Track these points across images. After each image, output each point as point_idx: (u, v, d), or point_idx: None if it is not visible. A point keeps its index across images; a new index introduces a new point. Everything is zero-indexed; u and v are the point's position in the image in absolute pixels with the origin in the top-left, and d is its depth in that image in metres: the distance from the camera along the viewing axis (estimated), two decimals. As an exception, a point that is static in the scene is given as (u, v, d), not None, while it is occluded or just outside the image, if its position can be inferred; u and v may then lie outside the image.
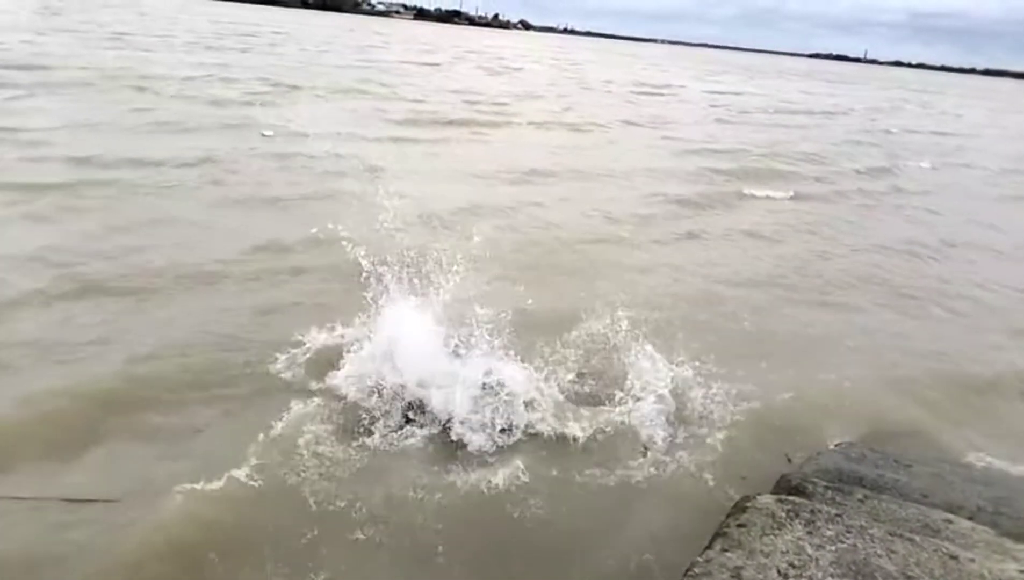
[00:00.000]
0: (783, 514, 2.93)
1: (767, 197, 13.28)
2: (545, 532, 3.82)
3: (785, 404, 5.25)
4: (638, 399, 4.81)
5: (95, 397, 4.62)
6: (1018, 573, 2.69)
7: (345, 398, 4.76)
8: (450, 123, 18.20)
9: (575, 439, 4.55)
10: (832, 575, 2.55)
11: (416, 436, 4.46)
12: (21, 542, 3.48)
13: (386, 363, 4.86)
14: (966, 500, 3.58)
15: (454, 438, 4.47)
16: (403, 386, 4.79)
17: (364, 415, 4.58)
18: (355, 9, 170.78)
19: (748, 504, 3.04)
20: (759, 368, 5.71)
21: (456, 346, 5.09)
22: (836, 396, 5.56)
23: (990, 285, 9.03)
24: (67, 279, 6.32)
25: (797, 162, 17.51)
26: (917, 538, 2.83)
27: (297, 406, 4.59)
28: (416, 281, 5.19)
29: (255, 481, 3.90)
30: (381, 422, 4.54)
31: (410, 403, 4.72)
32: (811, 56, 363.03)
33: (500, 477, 4.13)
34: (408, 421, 4.57)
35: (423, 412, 4.65)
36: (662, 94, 35.26)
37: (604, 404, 4.86)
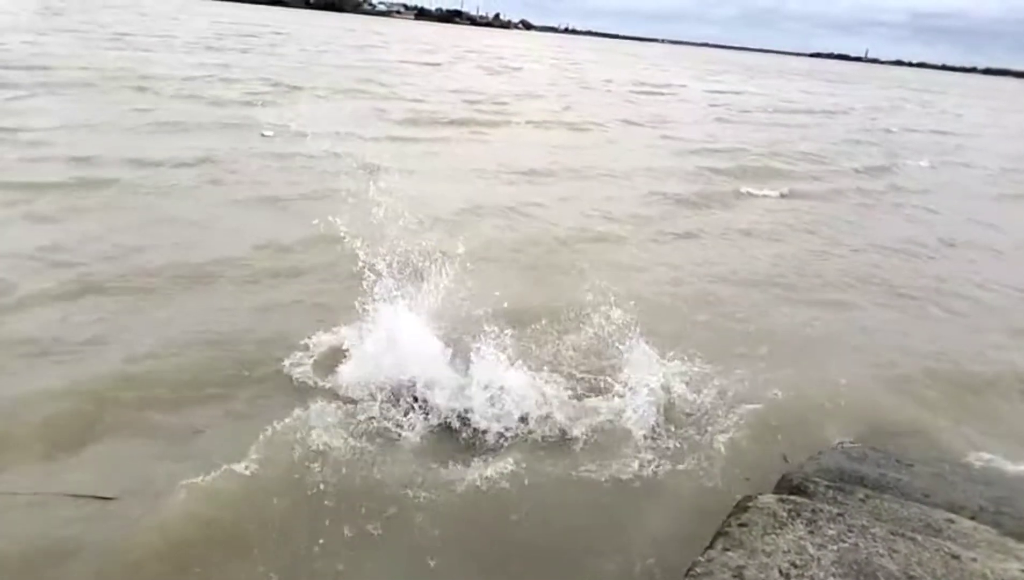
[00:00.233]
0: (785, 513, 2.92)
1: (766, 196, 13.28)
2: (545, 532, 3.81)
3: (785, 404, 5.23)
4: (638, 399, 4.80)
5: (94, 395, 4.62)
6: (1020, 572, 2.68)
7: (343, 397, 4.75)
8: (450, 123, 18.20)
9: (575, 438, 4.54)
10: (834, 574, 2.54)
11: (414, 435, 4.45)
12: (20, 538, 3.48)
13: (385, 362, 4.85)
14: (968, 500, 3.57)
15: (453, 437, 4.48)
16: (401, 385, 4.79)
17: (362, 414, 4.56)
18: (356, 9, 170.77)
19: (750, 504, 3.03)
20: (759, 367, 5.70)
21: (455, 345, 5.09)
22: (836, 396, 5.54)
23: (989, 284, 9.02)
24: (67, 278, 6.31)
25: (796, 161, 17.51)
26: (919, 538, 2.82)
27: (296, 404, 4.57)
28: (415, 280, 5.19)
29: (254, 479, 3.90)
30: (379, 420, 4.53)
31: (408, 401, 4.71)
32: (812, 56, 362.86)
33: (500, 476, 4.12)
34: (406, 419, 4.56)
35: (421, 410, 4.63)
36: (662, 93, 35.25)
37: (604, 403, 4.85)
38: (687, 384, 5.17)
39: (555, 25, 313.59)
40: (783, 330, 6.81)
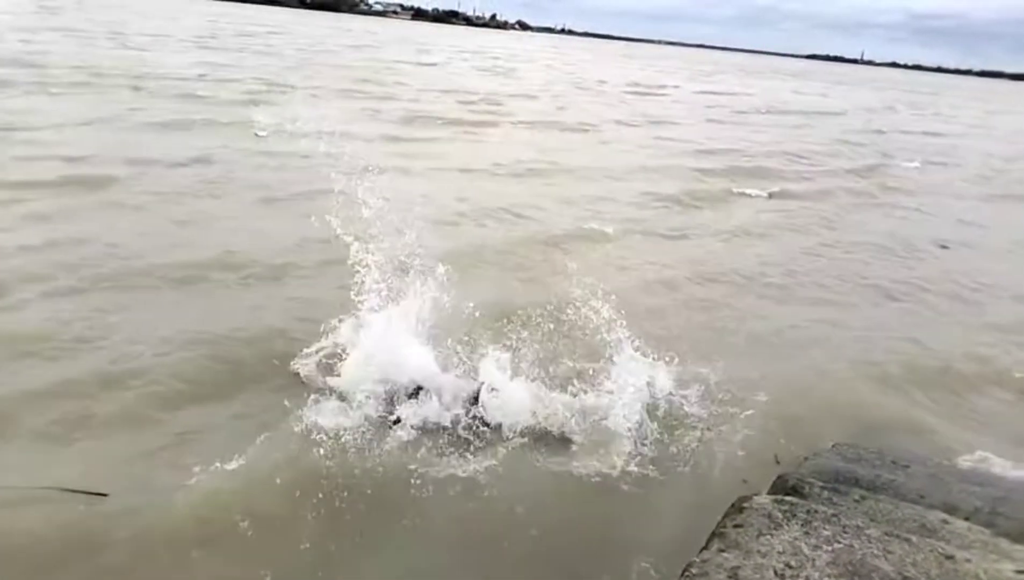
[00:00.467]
0: (780, 514, 2.91)
1: (757, 196, 13.33)
2: (540, 533, 3.80)
3: (779, 403, 5.25)
4: (630, 399, 4.78)
5: (87, 393, 4.62)
6: (1014, 573, 2.68)
7: (336, 395, 4.73)
8: (444, 122, 18.20)
9: (570, 439, 4.54)
10: (829, 575, 2.54)
11: (410, 434, 4.43)
12: (9, 532, 3.47)
13: (379, 362, 4.84)
14: (963, 500, 3.57)
15: (448, 436, 4.46)
16: (396, 384, 4.78)
17: (355, 413, 4.54)
18: (353, 9, 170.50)
19: (745, 505, 3.02)
20: (754, 367, 5.71)
21: (448, 345, 5.08)
22: (829, 396, 5.56)
23: (979, 284, 9.05)
24: (61, 276, 6.28)
25: (789, 161, 17.58)
26: (914, 538, 2.82)
27: (291, 403, 4.56)
28: (409, 279, 5.17)
29: (249, 476, 3.90)
30: (372, 420, 4.52)
31: (403, 400, 4.70)
32: (808, 57, 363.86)
33: (496, 477, 4.12)
34: (401, 418, 4.54)
35: (416, 409, 4.61)
36: (656, 94, 35.33)
37: (597, 404, 4.82)
38: (680, 384, 5.17)
39: (552, 25, 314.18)
40: (777, 330, 6.82)
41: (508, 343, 5.18)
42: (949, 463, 4.44)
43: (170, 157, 11.17)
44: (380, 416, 4.57)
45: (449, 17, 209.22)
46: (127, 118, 14.17)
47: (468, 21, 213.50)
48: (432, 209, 9.22)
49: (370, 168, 5.71)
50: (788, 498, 3.16)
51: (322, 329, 5.43)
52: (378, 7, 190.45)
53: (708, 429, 4.81)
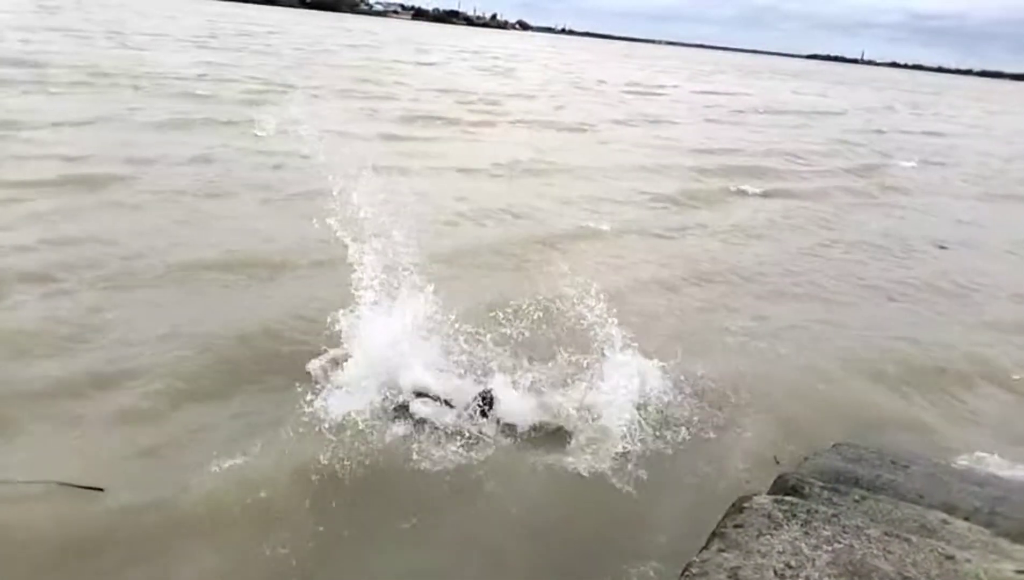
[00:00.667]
0: (780, 514, 2.91)
1: (754, 195, 13.33)
2: (540, 533, 3.80)
3: (779, 404, 5.25)
4: (631, 399, 4.78)
5: (86, 391, 4.62)
6: (1014, 573, 2.67)
7: (335, 394, 4.71)
8: (443, 122, 18.21)
9: (568, 439, 4.54)
10: (828, 575, 2.53)
11: (411, 432, 4.43)
12: (15, 527, 3.47)
13: (378, 361, 4.83)
14: (962, 500, 3.56)
15: (448, 433, 4.45)
16: (396, 383, 4.77)
17: (360, 412, 4.53)
18: (353, 9, 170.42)
19: (745, 505, 3.02)
20: (754, 367, 5.71)
21: (449, 344, 5.08)
22: (829, 396, 5.56)
23: (980, 285, 9.04)
24: (60, 275, 6.28)
25: (787, 161, 17.58)
26: (914, 538, 2.81)
27: (289, 401, 4.56)
28: (409, 279, 5.16)
29: (248, 474, 3.89)
30: (377, 418, 4.51)
31: (403, 400, 4.69)
32: (808, 57, 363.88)
33: (494, 477, 4.11)
34: (400, 418, 4.54)
35: (416, 409, 4.62)
36: (655, 94, 35.33)
37: (597, 404, 4.81)
38: (678, 384, 5.16)
39: (552, 25, 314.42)
40: (776, 329, 6.81)
41: (507, 343, 5.17)
42: (948, 463, 4.43)
43: (169, 156, 11.17)
44: (379, 415, 4.56)
45: (449, 17, 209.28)
46: (126, 117, 14.17)
47: (468, 21, 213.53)
48: (430, 208, 9.24)
49: (369, 168, 5.69)
50: (788, 498, 3.15)
51: (321, 328, 5.42)
52: (378, 7, 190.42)
53: (708, 429, 4.80)
